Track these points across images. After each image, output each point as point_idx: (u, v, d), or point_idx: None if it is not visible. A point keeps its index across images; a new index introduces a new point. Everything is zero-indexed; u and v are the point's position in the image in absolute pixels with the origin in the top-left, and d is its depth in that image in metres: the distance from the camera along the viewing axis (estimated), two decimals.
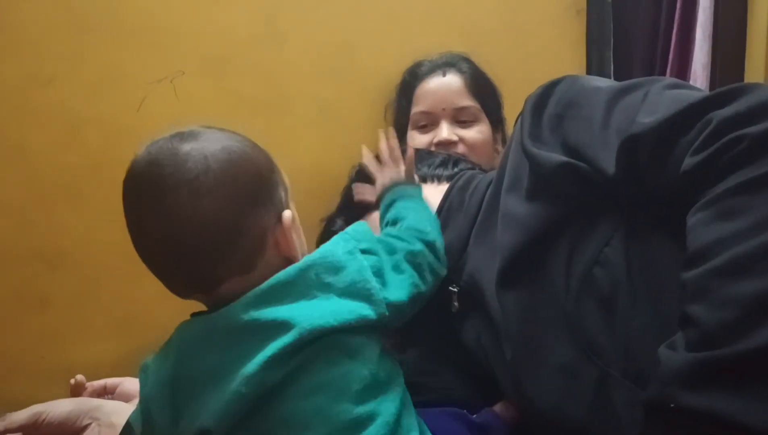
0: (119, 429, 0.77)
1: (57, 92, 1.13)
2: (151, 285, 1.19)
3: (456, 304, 0.89)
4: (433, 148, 1.28)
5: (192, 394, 0.64)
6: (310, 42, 1.35)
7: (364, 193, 1.03)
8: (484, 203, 0.87)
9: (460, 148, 1.31)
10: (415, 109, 1.36)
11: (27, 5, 1.10)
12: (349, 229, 0.75)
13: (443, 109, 1.33)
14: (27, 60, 1.11)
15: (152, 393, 0.67)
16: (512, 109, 1.38)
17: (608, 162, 0.69)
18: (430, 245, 0.80)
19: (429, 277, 0.77)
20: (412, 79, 1.39)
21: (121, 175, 1.14)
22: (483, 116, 1.37)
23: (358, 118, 1.40)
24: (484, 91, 1.38)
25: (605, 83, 0.78)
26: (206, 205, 0.62)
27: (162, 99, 1.22)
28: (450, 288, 0.89)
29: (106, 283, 1.19)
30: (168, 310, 1.18)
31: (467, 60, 1.40)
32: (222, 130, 0.68)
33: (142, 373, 0.70)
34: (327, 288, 0.66)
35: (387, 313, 0.68)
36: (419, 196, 0.91)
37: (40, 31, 1.11)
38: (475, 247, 0.86)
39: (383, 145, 1.04)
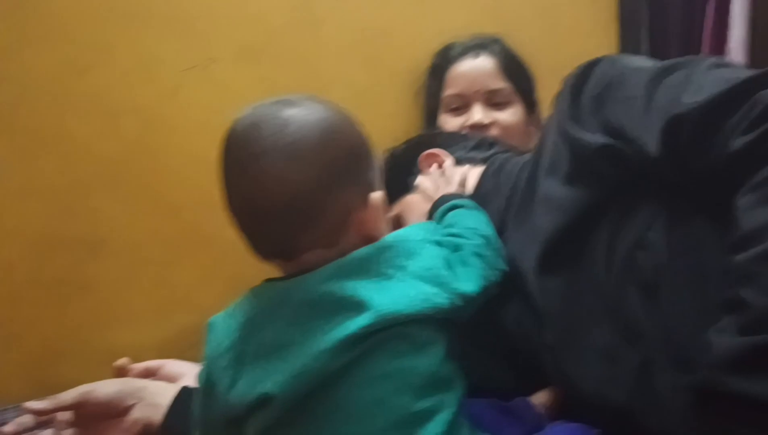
0: (163, 409, 0.79)
1: (94, 81, 1.14)
2: (192, 270, 1.24)
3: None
4: (465, 132, 1.28)
5: (256, 359, 0.65)
6: (345, 27, 1.35)
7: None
8: (521, 186, 0.87)
9: (494, 131, 1.31)
10: (447, 91, 1.36)
11: None
12: (424, 223, 0.77)
13: (476, 92, 1.33)
14: (63, 49, 1.12)
15: (216, 352, 0.68)
16: (545, 91, 1.39)
17: (651, 143, 0.68)
18: (488, 241, 0.79)
19: (494, 272, 0.77)
20: (443, 61, 1.38)
21: (158, 164, 1.20)
22: (516, 98, 1.36)
23: (393, 103, 1.41)
24: (517, 73, 1.37)
25: (646, 63, 0.76)
26: (299, 172, 0.63)
27: (197, 86, 1.22)
28: None
29: (146, 268, 1.20)
30: (208, 295, 1.23)
31: (499, 42, 1.39)
32: (326, 102, 0.69)
33: (209, 331, 0.71)
34: (401, 269, 0.66)
35: (459, 303, 0.68)
36: (473, 205, 0.90)
37: (76, 21, 1.12)
38: (513, 231, 0.85)
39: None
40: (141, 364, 1.05)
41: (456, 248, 0.75)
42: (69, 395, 0.77)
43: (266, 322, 0.66)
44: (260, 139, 0.64)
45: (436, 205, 0.93)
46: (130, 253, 1.19)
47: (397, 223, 1.01)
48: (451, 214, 0.88)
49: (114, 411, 0.78)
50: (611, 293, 0.71)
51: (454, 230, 0.80)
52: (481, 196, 0.92)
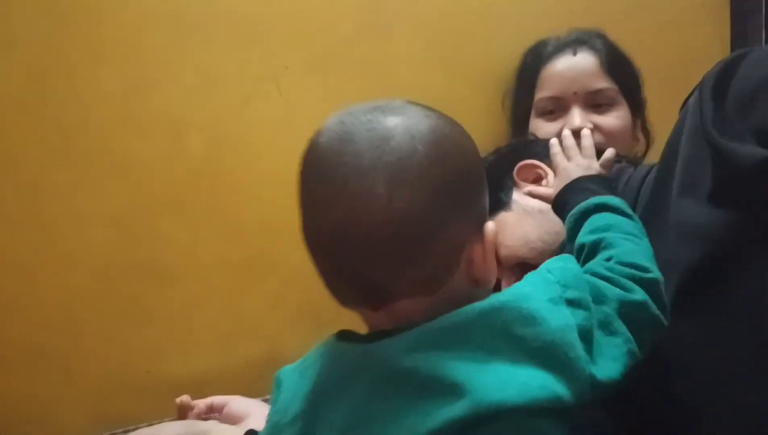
0: None
1: (159, 99, 1.09)
2: (257, 298, 1.16)
3: None
4: None
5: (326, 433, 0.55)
6: (417, 31, 1.26)
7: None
8: (641, 203, 0.77)
9: (596, 138, 1.15)
10: (541, 94, 1.23)
11: (128, 9, 1.07)
12: (554, 265, 0.60)
13: (575, 93, 1.19)
14: (128, 67, 1.08)
15: (281, 419, 0.58)
16: (648, 90, 1.26)
17: None
18: (652, 288, 0.62)
19: (647, 335, 0.60)
20: (535, 60, 1.26)
21: (224, 185, 1.14)
22: (621, 99, 1.22)
23: (473, 110, 1.28)
24: (622, 71, 1.23)
25: None
26: (404, 198, 0.51)
27: (265, 101, 1.16)
28: None
29: (210, 296, 1.14)
30: (276, 323, 1.17)
31: (601, 36, 1.25)
32: (429, 108, 0.58)
33: (276, 388, 0.63)
34: (515, 343, 0.52)
35: (590, 394, 0.53)
36: (625, 209, 0.74)
37: (140, 37, 1.08)
38: None
39: (567, 132, 0.90)
40: (205, 400, 1.01)
41: (599, 299, 0.58)
42: None
43: (339, 397, 0.54)
44: (357, 154, 0.52)
45: (568, 196, 0.78)
46: (196, 279, 1.13)
47: None
48: (595, 222, 0.71)
49: None
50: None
51: (599, 268, 0.63)
52: None
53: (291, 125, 1.13)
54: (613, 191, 0.78)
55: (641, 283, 0.61)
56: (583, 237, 0.70)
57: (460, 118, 1.29)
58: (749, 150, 0.61)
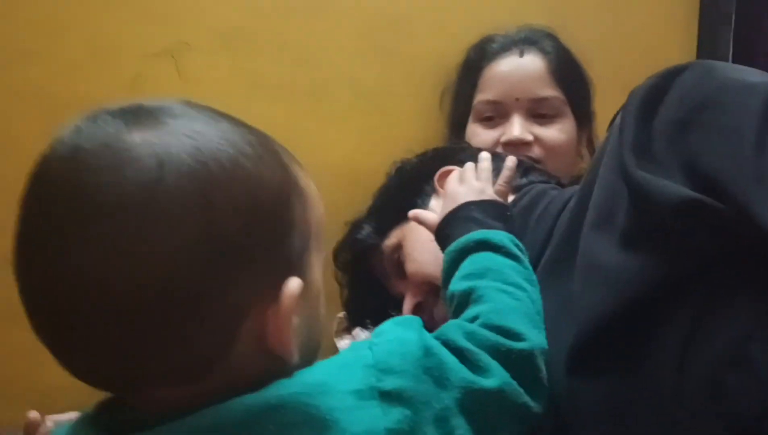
0: None
1: (36, 71, 0.99)
2: None
3: None
4: (499, 149, 1.07)
5: None
6: (349, 14, 1.16)
7: (422, 214, 0.78)
8: (557, 234, 0.68)
9: (535, 151, 1.09)
10: (481, 96, 1.13)
11: None
12: (382, 336, 0.49)
13: (517, 100, 1.10)
14: (2, 32, 0.98)
15: None
16: (602, 102, 1.18)
17: (765, 207, 0.48)
18: (521, 364, 0.51)
19: (504, 431, 0.50)
20: (478, 57, 1.16)
21: None
22: (567, 110, 1.14)
23: (406, 107, 1.20)
24: (571, 79, 1.15)
25: (759, 77, 0.56)
26: (134, 260, 0.37)
27: (160, 77, 1.05)
28: None
29: None
30: None
31: (552, 37, 1.17)
32: (211, 113, 0.43)
33: None
34: None
35: None
36: (511, 248, 0.62)
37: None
38: (542, 292, 0.64)
39: (484, 154, 0.80)
40: (56, 417, 0.91)
41: (440, 383, 0.46)
42: None
43: None
44: (77, 189, 0.38)
45: (450, 226, 0.67)
46: None
47: (395, 256, 0.85)
48: (472, 262, 0.60)
49: None
50: (688, 425, 0.51)
51: (454, 331, 0.51)
52: None
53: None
54: (504, 220, 0.67)
55: (507, 356, 0.50)
56: (455, 283, 0.59)
57: (393, 115, 1.23)
58: (668, 188, 0.52)
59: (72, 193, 0.38)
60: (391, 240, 0.86)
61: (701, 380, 0.51)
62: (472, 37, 1.19)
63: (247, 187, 0.41)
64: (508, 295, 0.56)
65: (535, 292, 0.59)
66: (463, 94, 1.16)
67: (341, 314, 1.00)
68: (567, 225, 0.66)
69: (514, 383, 0.49)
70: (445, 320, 0.72)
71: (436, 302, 0.78)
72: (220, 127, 0.42)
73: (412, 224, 0.82)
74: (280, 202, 0.43)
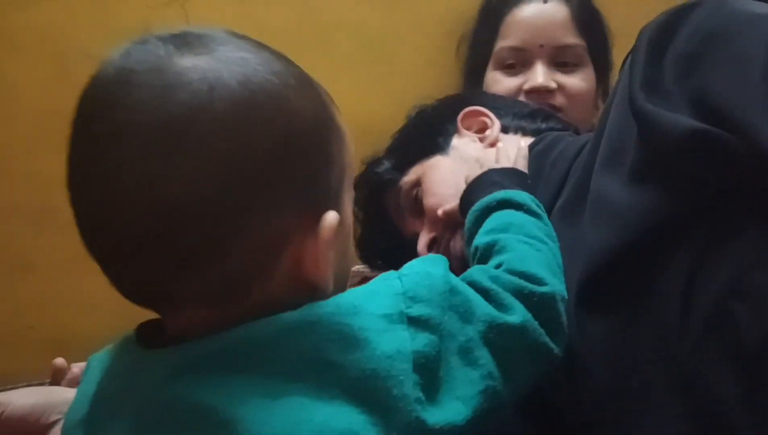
0: None
1: (38, 15, 0.97)
2: None
3: None
4: (521, 97, 1.06)
5: None
6: None
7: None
8: (573, 175, 0.68)
9: (558, 99, 1.07)
10: (503, 43, 1.11)
11: None
12: (411, 269, 0.49)
13: (541, 46, 1.08)
14: None
15: (73, 419, 0.48)
16: (619, 52, 1.13)
17: None
18: (543, 306, 0.52)
19: (524, 371, 0.50)
20: (500, 3, 1.13)
21: None
22: (588, 59, 1.12)
23: (416, 56, 1.18)
24: (592, 27, 1.12)
25: None
26: (181, 177, 0.38)
27: (169, 24, 1.00)
28: None
29: None
30: None
31: None
32: (256, 43, 0.44)
33: (84, 374, 0.52)
34: (327, 371, 0.41)
35: None
36: (532, 206, 0.63)
37: None
38: (557, 234, 0.65)
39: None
40: (81, 365, 0.91)
41: (466, 317, 0.47)
42: None
43: (113, 417, 0.43)
44: (128, 107, 0.39)
45: (474, 191, 0.68)
46: None
47: (413, 192, 0.84)
48: (495, 220, 0.60)
49: (31, 428, 0.64)
50: (685, 360, 0.51)
51: (481, 277, 0.51)
52: None
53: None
54: (525, 187, 0.68)
55: (529, 298, 0.50)
56: (479, 238, 0.60)
57: (403, 64, 1.21)
58: (676, 119, 0.52)
59: (121, 111, 0.39)
60: (410, 176, 0.85)
61: (705, 312, 0.51)
62: None
63: (291, 117, 0.42)
64: (530, 247, 0.56)
65: (555, 247, 0.59)
66: (483, 40, 1.14)
67: (355, 268, 1.01)
68: (581, 168, 0.65)
69: (536, 323, 0.50)
70: (462, 254, 0.71)
71: (453, 236, 0.78)
72: (266, 58, 0.42)
73: (433, 160, 0.83)
74: (320, 136, 0.44)
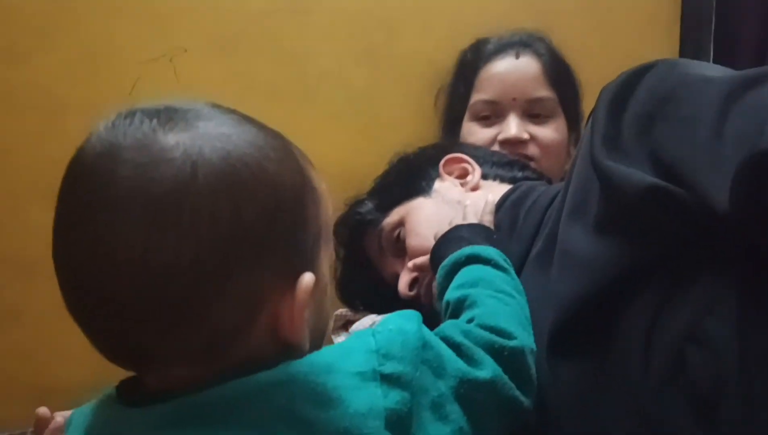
0: None
1: (33, 71, 0.99)
2: None
3: None
4: (495, 147, 1.09)
5: None
6: (341, 17, 1.17)
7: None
8: (545, 226, 0.70)
9: (531, 149, 1.10)
10: (478, 96, 1.14)
11: None
12: (385, 325, 0.50)
13: (514, 99, 1.11)
14: None
15: None
16: (589, 103, 1.16)
17: (719, 190, 0.50)
18: (512, 360, 0.54)
19: (495, 423, 0.52)
20: (475, 58, 1.17)
21: None
22: (560, 111, 1.15)
23: (396, 109, 1.22)
24: (563, 80, 1.16)
25: (718, 72, 0.58)
26: (167, 246, 0.40)
27: (159, 81, 1.06)
28: None
29: None
30: None
31: (544, 40, 1.18)
32: (236, 115, 0.46)
33: (65, 430, 0.55)
34: (300, 428, 0.42)
35: None
36: (500, 261, 0.66)
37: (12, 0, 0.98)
38: (530, 282, 0.67)
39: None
40: (65, 413, 0.91)
41: (437, 373, 0.49)
42: None
43: None
44: (114, 180, 0.40)
45: (443, 247, 0.71)
46: None
47: (395, 233, 0.86)
48: (465, 275, 0.63)
49: None
50: (647, 402, 0.54)
51: (453, 332, 0.53)
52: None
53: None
54: (492, 242, 0.71)
55: (500, 353, 0.53)
56: (450, 293, 0.62)
57: (384, 115, 1.24)
58: (632, 175, 0.54)
59: (107, 184, 0.40)
60: (392, 217, 0.87)
61: (664, 356, 0.53)
62: (459, 40, 1.20)
63: (270, 188, 0.44)
64: (499, 301, 0.59)
65: (522, 300, 0.62)
66: (459, 93, 1.17)
67: (339, 311, 1.02)
68: (552, 218, 0.68)
69: (506, 377, 0.52)
70: None
71: (434, 278, 0.80)
72: (246, 131, 0.44)
73: (416, 202, 0.85)
74: (297, 202, 0.46)
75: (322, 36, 1.15)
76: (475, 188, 0.83)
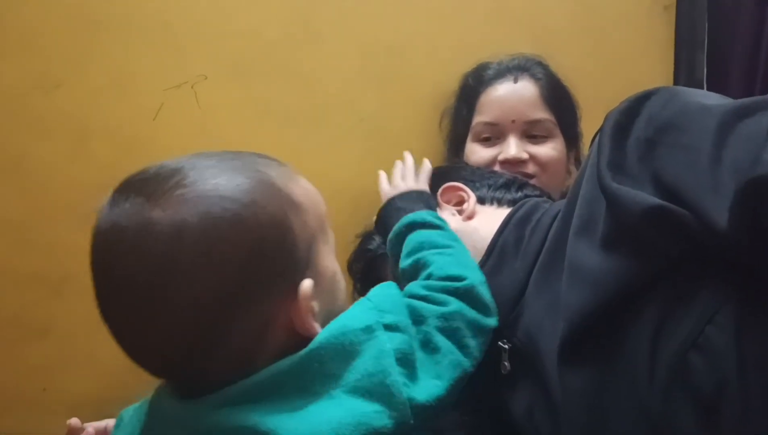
0: None
1: (63, 99, 1.04)
2: None
3: (506, 364, 0.74)
4: (496, 167, 1.13)
5: None
6: (350, 44, 1.21)
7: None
8: (548, 242, 0.74)
9: (530, 168, 1.15)
10: (479, 118, 1.19)
11: (30, 2, 1.01)
12: (373, 292, 0.61)
13: (513, 121, 1.16)
14: (30, 63, 1.03)
15: None
16: (587, 123, 1.23)
17: (719, 212, 0.53)
18: (468, 295, 0.66)
19: (473, 342, 0.64)
20: (476, 83, 1.22)
21: None
22: (557, 131, 1.19)
23: (405, 130, 1.25)
24: (560, 103, 1.20)
25: (715, 100, 0.61)
26: (177, 304, 0.49)
27: (181, 107, 1.10)
28: (500, 343, 0.73)
29: None
30: None
31: (542, 64, 1.23)
32: (214, 167, 0.52)
33: (116, 428, 0.63)
34: (333, 381, 0.51)
35: (412, 420, 0.53)
36: (433, 220, 0.77)
37: (45, 31, 1.03)
38: (535, 297, 0.72)
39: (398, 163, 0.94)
40: (100, 423, 0.95)
41: (418, 320, 0.61)
42: None
43: None
44: (122, 256, 0.49)
45: (385, 220, 0.82)
46: None
47: None
48: (412, 241, 0.74)
49: None
50: (653, 406, 0.57)
51: (416, 288, 0.65)
52: (499, 248, 0.78)
53: (209, 134, 1.09)
54: (423, 201, 0.82)
55: (456, 293, 0.65)
56: (403, 262, 0.74)
57: (394, 137, 1.28)
58: (637, 196, 0.58)
59: (111, 267, 0.50)
60: None
61: (668, 364, 0.56)
62: (463, 65, 1.24)
63: (251, 233, 0.51)
64: (443, 255, 0.70)
65: (460, 246, 0.74)
66: (462, 116, 1.22)
67: None
68: (555, 234, 0.72)
69: (467, 307, 0.65)
70: None
71: None
72: (221, 184, 0.51)
73: None
74: (279, 229, 0.53)
75: (333, 62, 1.20)
76: (470, 216, 0.86)
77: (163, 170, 0.52)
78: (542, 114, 1.17)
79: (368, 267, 0.97)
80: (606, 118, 0.66)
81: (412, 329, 0.59)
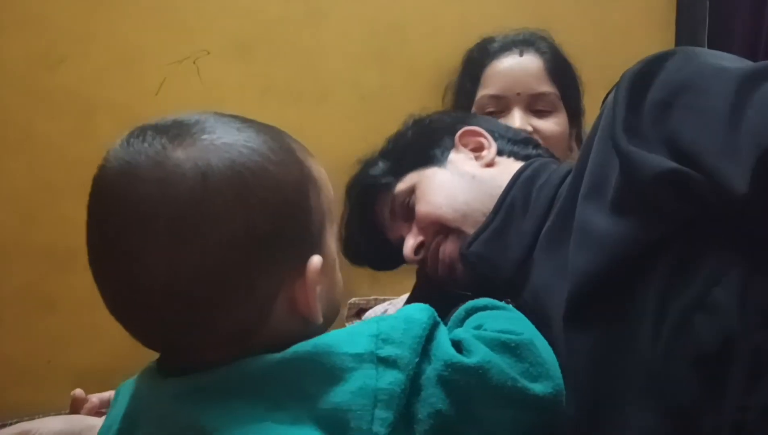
0: None
1: (67, 75, 1.05)
2: None
3: None
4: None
5: None
6: (352, 21, 1.22)
7: None
8: (558, 202, 0.72)
9: None
10: (483, 91, 1.17)
11: None
12: (398, 314, 0.53)
13: (518, 94, 1.15)
14: (34, 39, 1.03)
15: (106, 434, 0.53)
16: (589, 99, 1.21)
17: (737, 177, 0.52)
18: (521, 354, 0.54)
19: (492, 411, 0.52)
20: (481, 56, 1.20)
21: None
22: (561, 106, 1.18)
23: (407, 107, 1.22)
24: (564, 77, 1.19)
25: (734, 62, 0.59)
26: (190, 257, 0.44)
27: (184, 82, 1.11)
28: (505, 302, 0.72)
29: None
30: None
31: (547, 39, 1.21)
32: (237, 123, 0.49)
33: (114, 400, 0.57)
34: (304, 400, 0.46)
35: None
36: (496, 303, 0.65)
37: (49, 7, 1.03)
38: (543, 257, 0.70)
39: None
40: (100, 394, 0.95)
41: (429, 361, 0.51)
42: (7, 433, 0.66)
43: (139, 424, 0.50)
44: (135, 199, 0.44)
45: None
46: None
47: (406, 200, 0.85)
48: (482, 316, 0.62)
49: None
50: (657, 365, 0.57)
51: (461, 331, 0.55)
52: (507, 207, 0.76)
53: (211, 109, 1.09)
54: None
55: (507, 346, 0.53)
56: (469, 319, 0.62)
57: (396, 113, 1.27)
58: (652, 159, 0.57)
59: (129, 203, 0.45)
60: (405, 184, 0.85)
61: (673, 324, 0.56)
62: (464, 42, 1.23)
63: (274, 187, 0.47)
64: (505, 318, 0.60)
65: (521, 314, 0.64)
66: (466, 89, 1.20)
67: (352, 300, 1.07)
68: (565, 196, 0.70)
69: (502, 365, 0.51)
70: (450, 259, 0.77)
71: (444, 241, 0.81)
72: (247, 137, 0.47)
73: (430, 171, 0.84)
74: (300, 195, 0.49)
75: (336, 40, 1.20)
76: (489, 164, 0.83)
77: (184, 118, 0.48)
78: (547, 87, 1.15)
79: (366, 193, 0.91)
80: (621, 78, 0.63)
81: (420, 368, 0.50)
